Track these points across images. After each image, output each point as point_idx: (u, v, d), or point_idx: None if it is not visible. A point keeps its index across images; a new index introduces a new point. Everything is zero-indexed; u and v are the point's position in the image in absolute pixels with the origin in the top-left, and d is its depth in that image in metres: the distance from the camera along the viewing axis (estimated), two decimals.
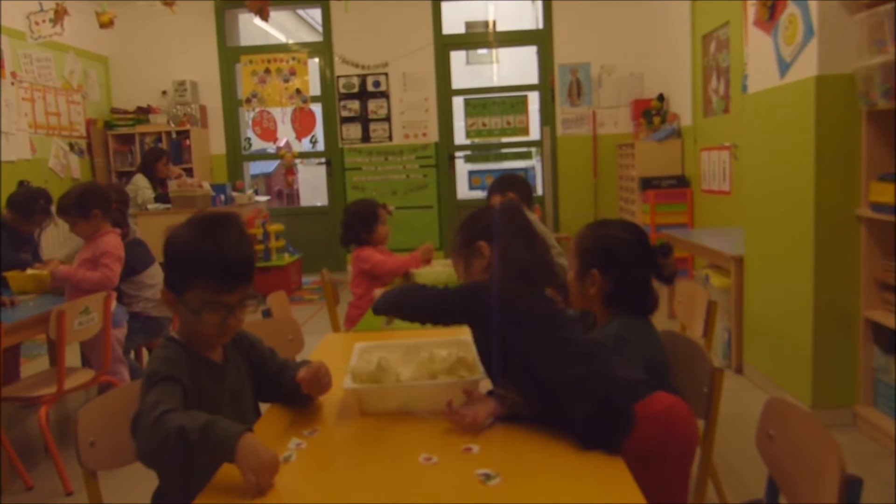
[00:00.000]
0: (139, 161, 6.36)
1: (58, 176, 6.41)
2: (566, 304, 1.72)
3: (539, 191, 7.60)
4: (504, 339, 1.41)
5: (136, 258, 3.51)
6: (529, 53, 7.99)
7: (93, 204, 3.13)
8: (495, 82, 11.13)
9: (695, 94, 5.96)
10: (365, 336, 2.15)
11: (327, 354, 1.82)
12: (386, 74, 7.50)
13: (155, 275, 3.63)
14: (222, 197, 6.03)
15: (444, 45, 7.52)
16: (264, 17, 5.30)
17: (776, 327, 3.34)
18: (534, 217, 2.29)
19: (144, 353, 3.92)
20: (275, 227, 6.58)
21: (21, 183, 5.24)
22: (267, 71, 7.55)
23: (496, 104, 7.61)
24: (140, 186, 5.75)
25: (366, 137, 7.61)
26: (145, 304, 3.58)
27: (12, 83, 5.88)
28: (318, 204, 8.43)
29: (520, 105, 7.61)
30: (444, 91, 7.55)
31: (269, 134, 7.72)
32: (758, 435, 1.38)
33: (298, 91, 7.54)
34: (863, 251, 2.90)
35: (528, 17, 10.11)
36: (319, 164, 7.95)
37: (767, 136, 3.39)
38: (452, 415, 1.38)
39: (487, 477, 1.17)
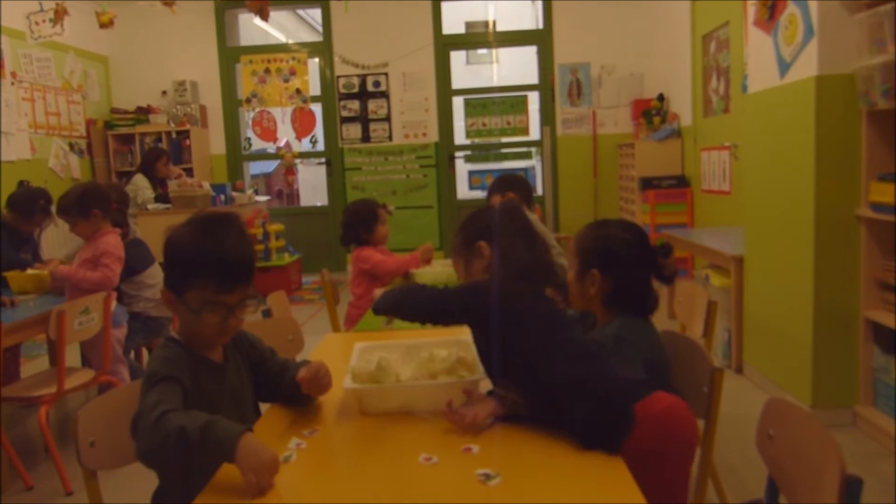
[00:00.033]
0: (139, 161, 6.37)
1: (58, 176, 6.41)
2: (566, 304, 1.72)
3: (539, 191, 7.60)
4: (504, 339, 1.41)
5: (136, 258, 3.51)
6: (529, 53, 7.99)
7: (93, 204, 3.13)
8: (495, 82, 11.12)
9: (695, 94, 5.96)
10: (365, 336, 2.15)
11: (327, 354, 1.82)
12: (386, 74, 7.50)
13: (155, 275, 3.63)
14: (222, 197, 6.03)
15: (444, 45, 7.52)
16: (264, 17, 5.30)
17: (776, 327, 3.34)
18: (534, 217, 2.29)
19: (144, 352, 3.92)
20: (275, 227, 6.58)
21: (21, 183, 5.24)
22: (267, 71, 7.55)
23: (496, 104, 7.61)
24: (140, 186, 5.75)
25: (366, 137, 7.61)
26: (145, 304, 3.58)
27: (12, 83, 5.88)
28: (318, 204, 8.43)
29: (520, 105, 7.61)
30: (444, 91, 7.55)
31: (269, 134, 7.72)
32: (758, 435, 1.38)
33: (298, 91, 7.54)
34: (863, 251, 2.90)
35: (528, 17, 10.11)
36: (319, 164, 7.95)
37: (767, 136, 3.39)
38: (452, 415, 1.38)
39: (487, 477, 1.17)
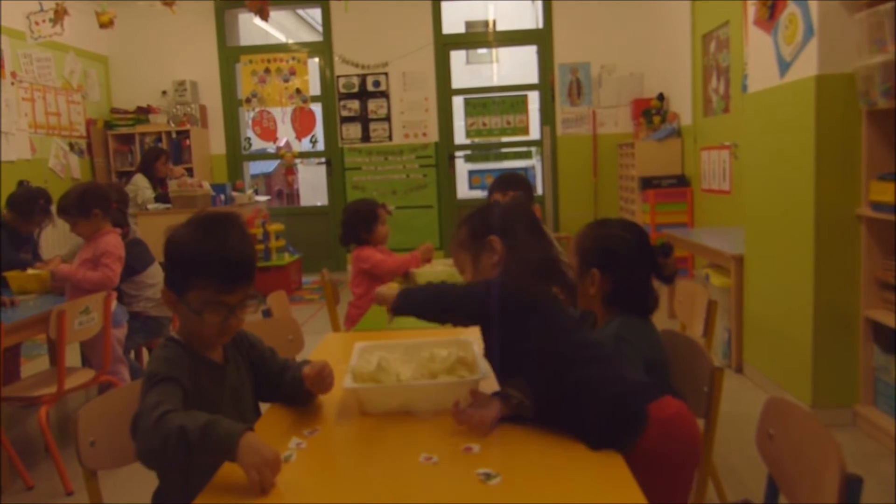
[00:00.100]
0: (139, 161, 6.37)
1: (58, 176, 6.41)
2: (574, 303, 1.70)
3: (539, 190, 7.60)
4: (521, 338, 1.39)
5: (136, 258, 3.51)
6: (529, 53, 7.99)
7: (93, 204, 3.13)
8: (495, 82, 11.12)
9: (695, 93, 5.96)
10: (365, 336, 2.15)
11: (327, 354, 1.82)
12: (386, 74, 7.50)
13: (155, 274, 3.63)
14: (222, 197, 6.03)
15: (444, 44, 7.52)
16: (264, 17, 5.31)
17: (776, 327, 3.34)
18: None
19: (145, 352, 3.92)
20: (275, 226, 6.58)
21: (21, 183, 5.24)
22: (267, 71, 7.55)
23: (496, 104, 7.61)
24: (140, 186, 5.75)
25: (366, 137, 7.61)
26: (145, 303, 3.58)
27: (12, 83, 5.88)
28: (318, 204, 8.43)
29: (520, 105, 7.61)
30: (444, 91, 7.55)
31: (269, 134, 7.72)
32: (758, 434, 1.38)
33: (298, 91, 7.54)
34: (863, 250, 2.90)
35: (528, 17, 10.10)
36: (319, 163, 7.95)
37: (767, 136, 3.39)
38: (460, 415, 1.36)
39: (488, 476, 1.17)
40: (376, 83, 7.52)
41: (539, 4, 7.67)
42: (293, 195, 9.54)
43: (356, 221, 3.34)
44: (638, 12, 7.06)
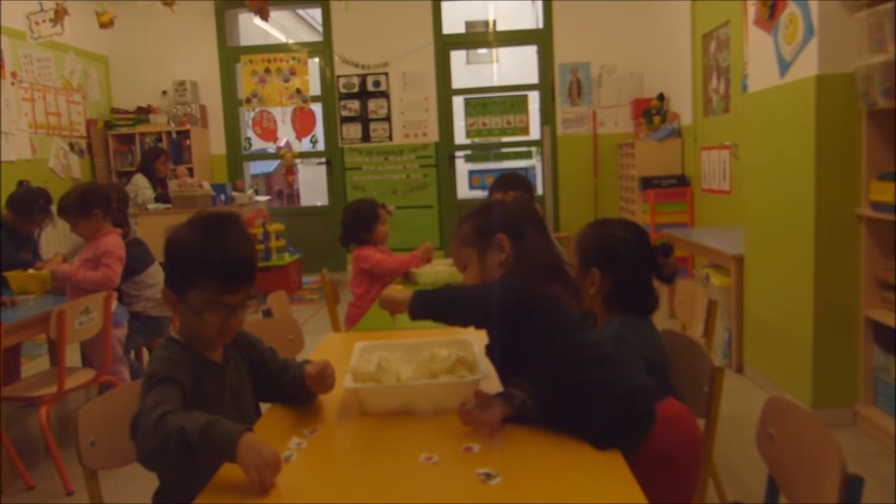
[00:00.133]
0: (139, 161, 6.37)
1: (58, 176, 6.41)
2: (578, 303, 1.70)
3: (539, 190, 7.59)
4: (531, 338, 1.37)
5: (136, 258, 3.51)
6: (529, 53, 7.99)
7: (94, 204, 3.13)
8: (495, 82, 11.12)
9: (695, 93, 5.96)
10: (365, 336, 2.15)
11: (327, 354, 1.82)
12: (386, 74, 7.50)
13: (155, 274, 3.63)
14: (222, 197, 6.03)
15: (445, 44, 7.52)
16: (264, 17, 5.30)
17: (776, 326, 3.34)
18: None
19: (145, 352, 3.92)
20: (275, 226, 6.59)
21: (21, 183, 5.24)
22: (267, 71, 7.55)
23: (496, 104, 7.61)
24: (140, 186, 5.76)
25: (366, 137, 7.61)
26: (146, 303, 3.58)
27: (12, 83, 5.88)
28: (319, 204, 8.44)
29: (520, 105, 7.61)
30: (444, 91, 7.55)
31: (270, 134, 7.72)
32: (758, 434, 1.38)
33: (298, 91, 7.54)
34: (863, 250, 2.90)
35: (528, 17, 10.10)
36: (319, 163, 7.95)
37: (767, 136, 3.39)
38: (466, 416, 1.35)
39: (488, 476, 1.17)
40: (376, 83, 7.52)
41: (539, 4, 7.67)
42: (293, 195, 9.54)
43: (356, 221, 3.34)
44: (638, 12, 7.06)
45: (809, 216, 2.97)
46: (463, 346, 1.66)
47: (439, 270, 3.20)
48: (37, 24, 5.57)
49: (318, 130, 7.74)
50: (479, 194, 7.93)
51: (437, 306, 1.45)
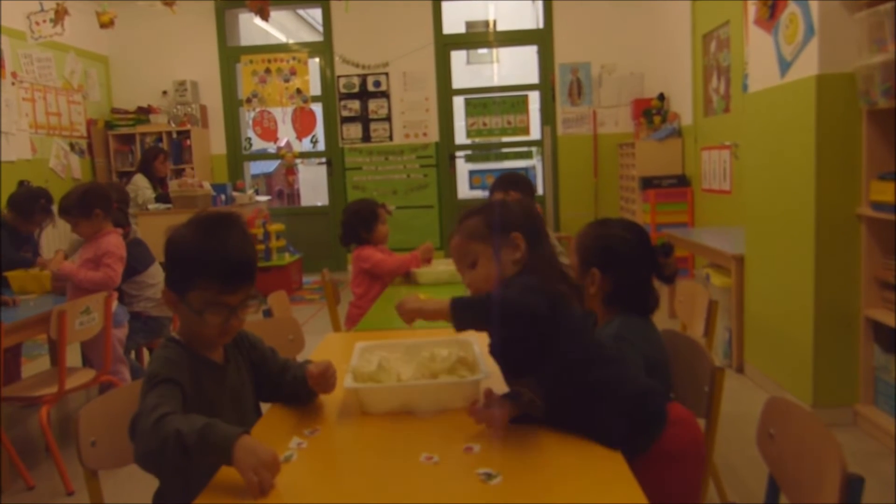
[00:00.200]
0: (139, 161, 6.37)
1: (58, 176, 6.41)
2: (581, 304, 1.69)
3: (540, 190, 7.59)
4: (548, 339, 1.35)
5: (136, 258, 3.51)
6: (530, 53, 7.99)
7: (95, 204, 3.14)
8: (496, 82, 11.11)
9: (695, 93, 5.96)
10: (365, 336, 2.15)
11: (328, 354, 1.82)
12: (386, 74, 7.50)
13: (156, 274, 3.63)
14: (223, 197, 6.03)
15: (445, 44, 7.52)
16: (264, 17, 5.30)
17: (777, 326, 3.34)
18: None
19: (145, 352, 3.92)
20: (275, 226, 6.59)
21: (21, 183, 5.24)
22: (267, 71, 7.55)
23: (496, 104, 7.61)
24: (140, 186, 5.76)
25: (366, 137, 7.61)
26: (146, 303, 3.58)
27: (13, 83, 5.88)
28: (319, 204, 8.44)
29: (520, 105, 7.61)
30: (445, 91, 7.55)
31: (270, 134, 7.72)
32: (758, 434, 1.38)
33: (299, 91, 7.54)
34: (863, 250, 2.89)
35: (529, 17, 10.09)
36: (320, 163, 7.95)
37: (768, 136, 3.39)
38: (477, 413, 1.35)
39: (488, 476, 1.17)
40: (377, 83, 7.52)
41: (539, 4, 7.67)
42: (294, 195, 9.54)
43: (356, 221, 3.34)
44: (638, 12, 7.06)
45: (810, 216, 2.97)
46: (463, 346, 1.66)
47: (440, 271, 3.20)
48: (37, 24, 5.57)
49: (319, 130, 7.75)
50: (480, 194, 7.93)
51: (476, 315, 1.35)
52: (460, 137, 7.81)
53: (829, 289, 2.97)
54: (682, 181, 6.18)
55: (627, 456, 1.23)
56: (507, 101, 7.61)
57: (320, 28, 7.90)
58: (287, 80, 7.54)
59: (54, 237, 5.70)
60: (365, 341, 1.80)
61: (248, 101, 7.58)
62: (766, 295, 3.46)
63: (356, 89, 7.56)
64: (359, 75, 7.53)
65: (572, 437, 1.30)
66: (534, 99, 7.67)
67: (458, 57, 8.33)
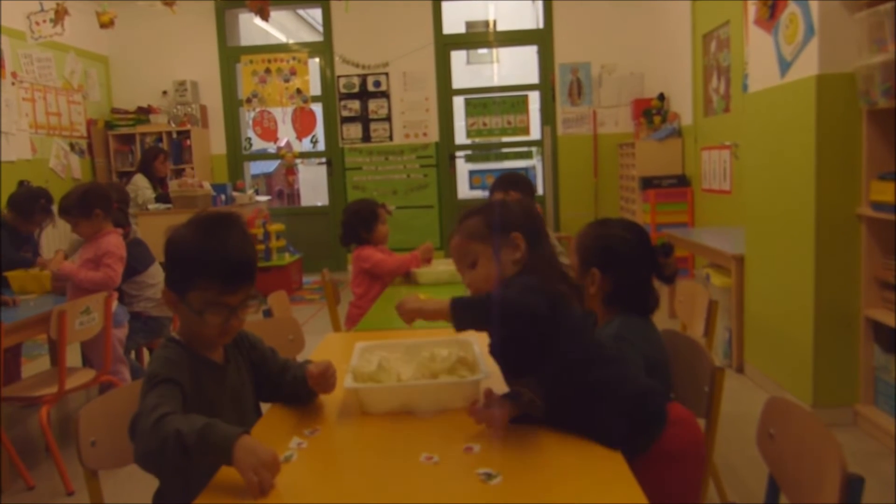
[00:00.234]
0: (138, 161, 6.37)
1: (58, 176, 6.41)
2: (581, 304, 1.69)
3: (540, 190, 7.59)
4: (550, 339, 1.35)
5: (136, 258, 3.51)
6: (530, 53, 7.99)
7: (95, 204, 3.14)
8: (496, 82, 11.11)
9: (695, 93, 5.96)
10: (366, 336, 2.15)
11: (328, 354, 1.82)
12: (386, 74, 7.50)
13: (156, 274, 3.63)
14: (223, 197, 6.03)
15: (445, 44, 7.52)
16: (264, 17, 5.30)
17: (777, 326, 3.34)
18: None
19: (145, 352, 3.92)
20: (275, 226, 6.59)
21: (21, 183, 5.24)
22: (267, 71, 7.55)
23: (496, 104, 7.61)
24: (140, 186, 5.76)
25: (366, 137, 7.61)
26: (146, 303, 3.58)
27: (13, 83, 5.88)
28: (319, 204, 8.44)
29: (520, 105, 7.61)
30: (445, 91, 7.55)
31: (270, 134, 7.72)
32: (758, 434, 1.38)
33: (299, 91, 7.54)
34: (863, 250, 2.89)
35: (529, 17, 10.09)
36: (320, 163, 7.95)
37: (768, 136, 3.39)
38: (477, 413, 1.35)
39: (488, 476, 1.17)
40: (377, 83, 7.52)
41: (539, 4, 7.67)
42: (294, 195, 9.54)
43: (356, 221, 3.34)
44: (638, 12, 7.06)
45: (810, 216, 2.97)
46: (463, 347, 1.66)
47: (440, 271, 3.20)
48: (37, 24, 5.57)
49: (319, 130, 7.75)
50: (480, 194, 7.93)
51: (477, 315, 1.35)
52: (460, 137, 7.81)
53: (829, 289, 2.97)
54: (682, 181, 6.18)
55: (627, 456, 1.23)
56: (507, 101, 7.62)
57: (320, 28, 7.90)
58: (287, 80, 7.54)
59: (54, 237, 5.70)
60: (365, 341, 1.80)
61: (248, 101, 7.58)
62: (766, 295, 3.46)
63: (356, 89, 7.56)
64: (359, 75, 7.53)
65: (572, 437, 1.31)
66: (534, 99, 7.67)
67: (458, 57, 8.33)
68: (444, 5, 7.46)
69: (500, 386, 1.46)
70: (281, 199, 9.53)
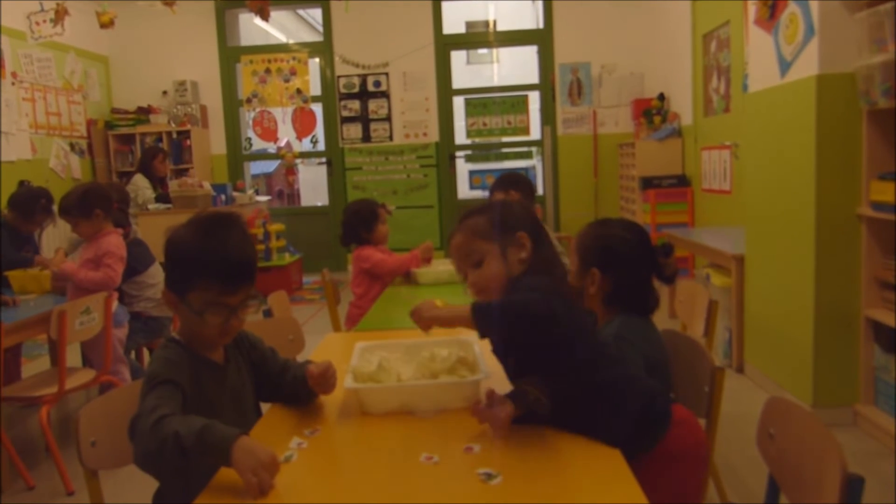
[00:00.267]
0: (138, 161, 6.37)
1: (58, 176, 6.41)
2: (581, 304, 1.69)
3: (540, 190, 7.58)
4: (557, 339, 1.34)
5: (136, 258, 3.51)
6: (530, 53, 7.99)
7: (95, 204, 3.14)
8: (496, 82, 11.12)
9: (695, 93, 5.95)
10: (366, 336, 2.15)
11: (328, 354, 1.82)
12: (386, 74, 7.50)
13: (156, 274, 3.63)
14: (223, 197, 6.03)
15: (445, 44, 7.52)
16: (264, 17, 5.30)
17: (777, 326, 3.34)
18: None
19: (145, 352, 3.92)
20: (275, 226, 6.59)
21: (22, 183, 5.24)
22: (267, 71, 7.55)
23: (497, 104, 7.61)
24: (140, 186, 5.76)
25: (366, 137, 7.61)
26: (146, 303, 3.58)
27: (13, 83, 5.88)
28: (319, 204, 8.44)
29: (520, 105, 7.61)
30: (445, 91, 7.55)
31: (270, 134, 7.72)
32: (759, 434, 1.38)
33: (299, 91, 7.54)
34: (863, 250, 2.89)
35: (529, 17, 10.09)
36: (320, 163, 7.95)
37: (768, 136, 3.39)
38: (480, 413, 1.34)
39: (489, 476, 1.17)
40: (377, 83, 7.53)
41: (539, 4, 7.67)
42: (294, 195, 9.54)
43: (356, 221, 3.34)
44: (638, 12, 7.06)
45: (810, 216, 2.97)
46: (463, 347, 1.66)
47: (440, 271, 3.20)
48: (37, 24, 5.57)
49: (319, 130, 7.75)
50: (480, 194, 7.93)
51: (501, 318, 1.32)
52: (460, 137, 7.81)
53: (829, 289, 2.97)
54: (682, 181, 6.18)
55: (630, 456, 1.23)
56: (507, 101, 7.61)
57: (320, 28, 7.90)
58: (287, 80, 7.54)
59: (54, 237, 5.70)
60: (365, 341, 1.80)
61: (248, 101, 7.58)
62: (766, 295, 3.46)
63: (356, 89, 7.56)
64: (359, 75, 7.53)
65: (572, 437, 1.31)
66: (534, 99, 7.67)
67: (458, 57, 8.33)
68: (444, 5, 7.46)
69: (499, 385, 1.46)
70: (281, 199, 9.53)
